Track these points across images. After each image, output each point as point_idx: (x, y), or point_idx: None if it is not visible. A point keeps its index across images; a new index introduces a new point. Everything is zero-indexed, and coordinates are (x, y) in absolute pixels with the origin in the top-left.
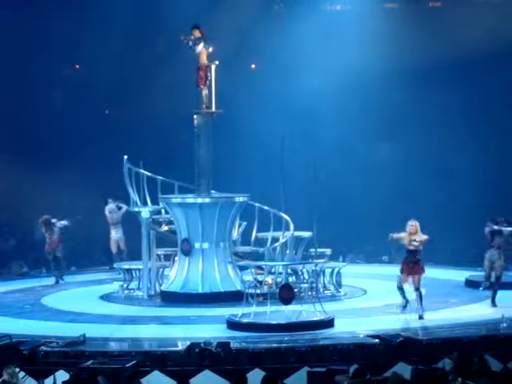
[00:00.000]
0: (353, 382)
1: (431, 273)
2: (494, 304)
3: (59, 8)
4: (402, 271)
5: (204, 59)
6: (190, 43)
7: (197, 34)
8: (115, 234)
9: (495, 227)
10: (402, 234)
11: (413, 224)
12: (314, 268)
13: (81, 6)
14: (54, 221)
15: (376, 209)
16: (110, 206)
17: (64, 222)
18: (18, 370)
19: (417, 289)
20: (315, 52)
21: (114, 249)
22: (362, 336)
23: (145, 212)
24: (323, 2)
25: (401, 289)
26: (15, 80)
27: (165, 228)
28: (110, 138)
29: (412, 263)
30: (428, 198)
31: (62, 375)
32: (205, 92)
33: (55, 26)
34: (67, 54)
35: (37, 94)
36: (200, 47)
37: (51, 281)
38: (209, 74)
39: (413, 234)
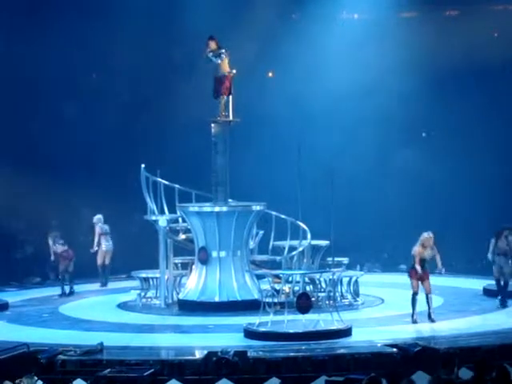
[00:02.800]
0: None
1: (449, 282)
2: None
3: (74, 17)
4: (411, 276)
5: (225, 68)
6: (210, 55)
7: (213, 45)
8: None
9: None
10: (419, 250)
11: (431, 236)
12: (331, 277)
13: (97, 15)
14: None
15: (394, 217)
16: (98, 216)
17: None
18: (36, 378)
19: (428, 293)
20: (332, 60)
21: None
22: (379, 345)
23: (162, 221)
24: (340, 11)
25: (416, 294)
26: (30, 89)
27: (182, 237)
28: (126, 147)
29: (423, 270)
30: (445, 207)
31: None
32: (223, 101)
33: (71, 36)
34: (83, 63)
35: (51, 103)
36: (214, 59)
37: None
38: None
39: (428, 247)
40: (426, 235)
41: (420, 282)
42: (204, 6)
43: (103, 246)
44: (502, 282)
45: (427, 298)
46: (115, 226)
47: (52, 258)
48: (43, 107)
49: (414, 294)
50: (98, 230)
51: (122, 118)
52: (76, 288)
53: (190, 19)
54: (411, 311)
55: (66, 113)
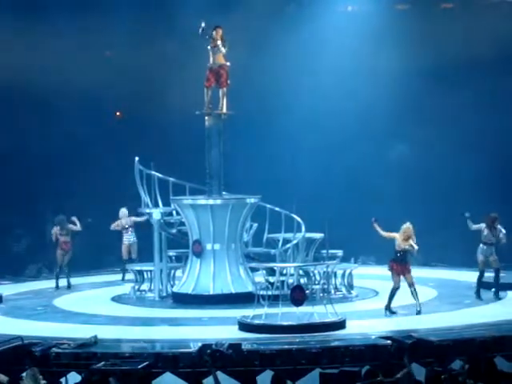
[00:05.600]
0: (364, 383)
1: (444, 274)
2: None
3: (66, 10)
4: (392, 269)
5: (221, 60)
6: (211, 41)
7: (218, 34)
8: (127, 239)
9: None
10: (395, 234)
11: (410, 227)
12: (325, 269)
13: (89, 8)
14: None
15: (388, 210)
16: (123, 210)
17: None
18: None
19: (411, 284)
20: (327, 53)
21: (124, 254)
22: (373, 337)
23: (156, 213)
24: (335, 3)
25: (397, 289)
26: (26, 84)
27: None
28: (120, 140)
29: (403, 263)
30: (439, 199)
31: (74, 377)
32: (210, 92)
33: (63, 29)
34: (76, 54)
35: (47, 96)
36: (222, 48)
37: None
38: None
39: (408, 238)
40: (406, 225)
41: (402, 276)
42: None
43: (125, 240)
44: (484, 274)
45: (411, 291)
46: (109, 219)
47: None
48: (39, 99)
49: (395, 289)
50: (119, 223)
51: (115, 110)
52: (72, 281)
53: (184, 10)
54: (387, 302)
55: (59, 105)
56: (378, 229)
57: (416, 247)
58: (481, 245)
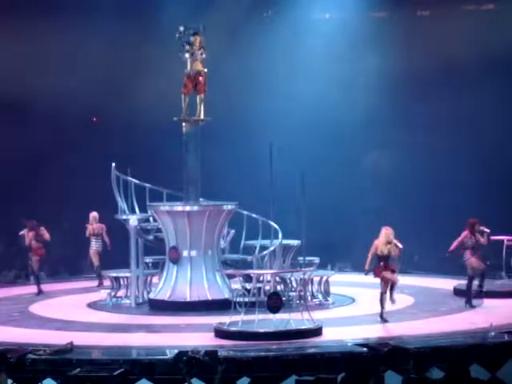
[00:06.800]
0: None
1: (420, 281)
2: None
3: (42, 15)
4: (377, 275)
5: (199, 67)
6: (187, 47)
7: (197, 40)
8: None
9: None
10: (375, 243)
11: (389, 231)
12: (302, 276)
13: (65, 12)
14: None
15: (364, 217)
16: (94, 214)
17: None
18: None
19: (384, 291)
20: (304, 59)
21: (96, 261)
22: (350, 344)
23: (133, 220)
24: (313, 10)
25: (395, 284)
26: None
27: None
28: (96, 146)
29: (391, 269)
30: (415, 206)
31: (50, 383)
32: (188, 99)
33: (39, 32)
34: (50, 59)
35: (23, 101)
36: (201, 54)
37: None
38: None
39: (390, 242)
40: (386, 230)
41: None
42: (174, 2)
43: (94, 246)
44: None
45: (381, 296)
46: (84, 224)
47: (27, 242)
48: (15, 105)
49: (393, 285)
50: (89, 229)
51: (90, 115)
52: (48, 287)
53: (160, 16)
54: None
55: (32, 109)
56: (368, 260)
57: (400, 246)
58: (469, 251)
